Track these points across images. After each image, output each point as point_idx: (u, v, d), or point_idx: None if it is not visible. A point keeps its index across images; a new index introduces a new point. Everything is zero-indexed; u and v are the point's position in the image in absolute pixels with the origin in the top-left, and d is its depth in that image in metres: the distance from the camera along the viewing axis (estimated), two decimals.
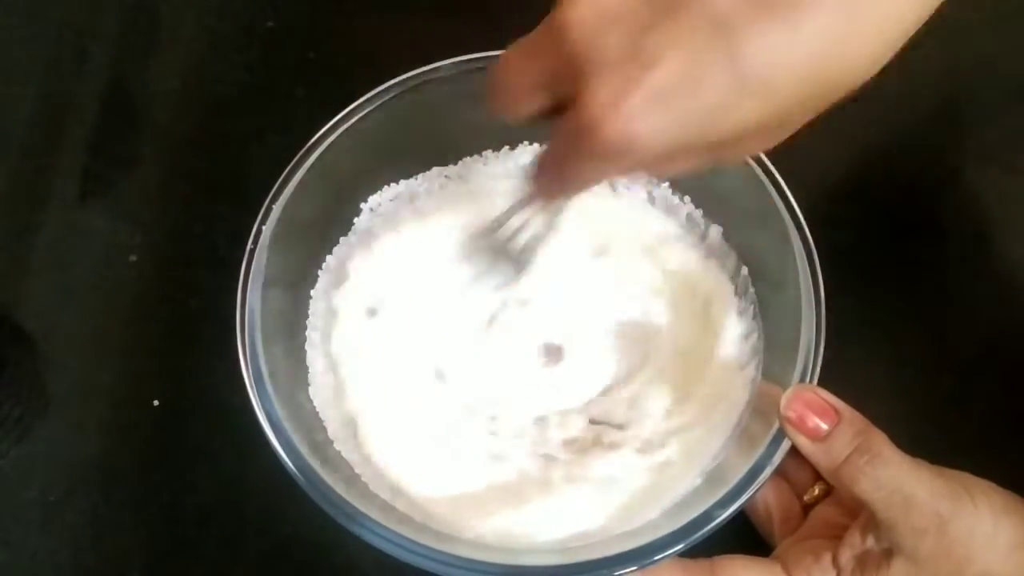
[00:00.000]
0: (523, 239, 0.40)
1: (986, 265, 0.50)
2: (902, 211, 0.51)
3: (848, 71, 0.27)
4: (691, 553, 0.37)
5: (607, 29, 0.27)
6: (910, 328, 0.48)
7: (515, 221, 0.39)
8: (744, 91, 0.26)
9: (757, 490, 0.36)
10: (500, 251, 0.42)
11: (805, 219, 0.41)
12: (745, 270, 0.45)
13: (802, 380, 0.38)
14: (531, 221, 0.39)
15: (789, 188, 0.42)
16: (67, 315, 0.48)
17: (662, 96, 0.26)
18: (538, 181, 0.33)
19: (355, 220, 0.47)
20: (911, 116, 0.54)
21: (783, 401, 0.36)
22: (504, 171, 0.49)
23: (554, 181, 0.33)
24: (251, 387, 0.38)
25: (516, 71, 0.30)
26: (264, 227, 0.41)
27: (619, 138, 0.27)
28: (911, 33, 0.27)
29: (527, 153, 0.49)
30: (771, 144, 0.29)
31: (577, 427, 0.43)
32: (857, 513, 0.37)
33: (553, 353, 0.45)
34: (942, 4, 0.28)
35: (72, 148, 0.53)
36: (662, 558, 0.35)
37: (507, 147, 0.49)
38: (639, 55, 0.26)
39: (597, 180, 0.31)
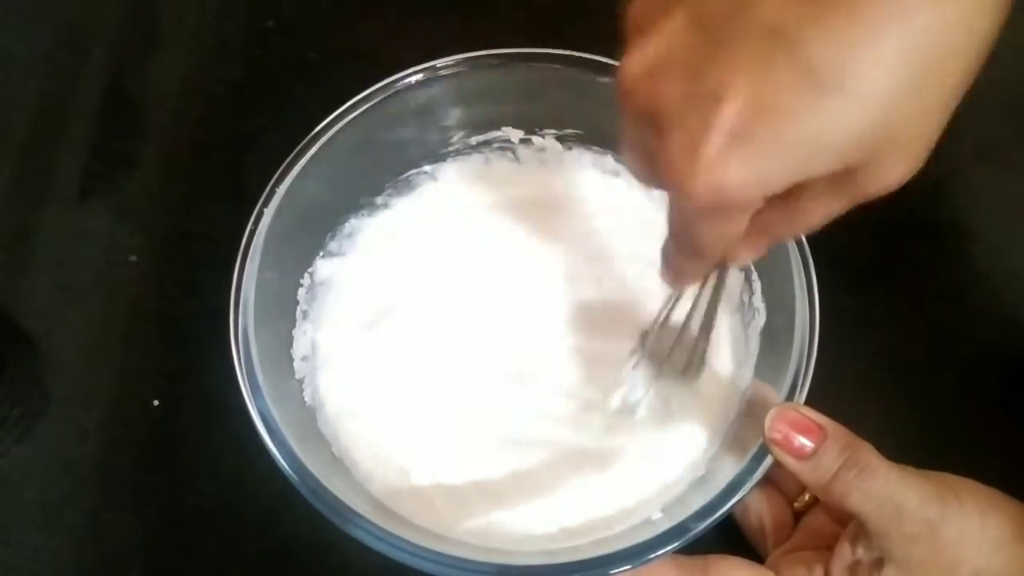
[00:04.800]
0: (686, 341, 0.38)
1: (986, 265, 0.50)
2: (901, 211, 0.51)
3: (957, 49, 0.23)
4: (684, 553, 0.37)
5: (660, 79, 0.24)
6: (910, 328, 0.48)
7: (673, 319, 0.38)
8: (824, 93, 0.22)
9: (750, 490, 0.36)
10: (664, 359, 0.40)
11: None
12: (742, 273, 0.45)
13: (793, 387, 0.38)
14: (690, 316, 0.37)
15: None
16: (67, 315, 0.49)
17: (737, 131, 0.23)
18: (670, 267, 0.32)
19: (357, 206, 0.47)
20: None
21: (767, 422, 0.35)
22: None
23: (682, 258, 0.31)
24: (243, 382, 0.38)
25: (628, 160, 0.28)
26: (266, 210, 0.41)
27: (709, 190, 0.24)
28: None
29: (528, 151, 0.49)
30: (912, 161, 0.25)
31: (566, 428, 0.43)
32: (848, 521, 0.37)
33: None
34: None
35: (72, 148, 0.53)
36: (655, 557, 0.35)
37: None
38: (700, 95, 0.23)
39: (723, 243, 0.28)
